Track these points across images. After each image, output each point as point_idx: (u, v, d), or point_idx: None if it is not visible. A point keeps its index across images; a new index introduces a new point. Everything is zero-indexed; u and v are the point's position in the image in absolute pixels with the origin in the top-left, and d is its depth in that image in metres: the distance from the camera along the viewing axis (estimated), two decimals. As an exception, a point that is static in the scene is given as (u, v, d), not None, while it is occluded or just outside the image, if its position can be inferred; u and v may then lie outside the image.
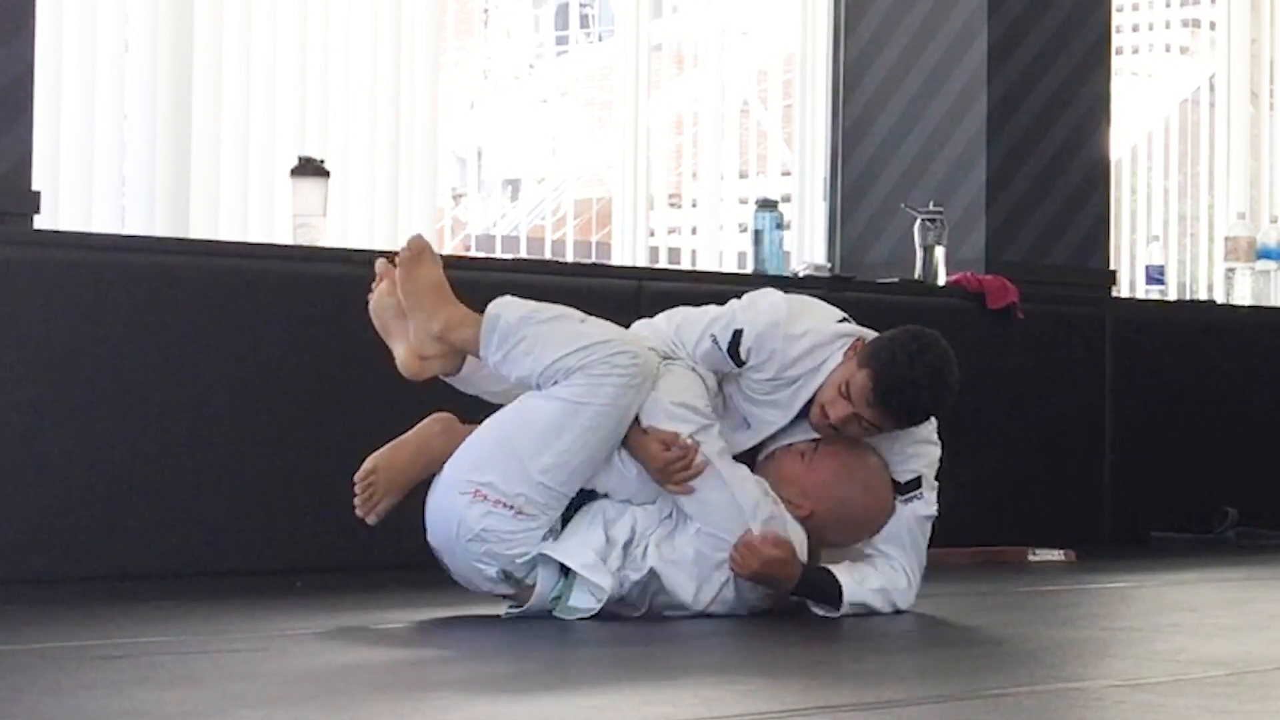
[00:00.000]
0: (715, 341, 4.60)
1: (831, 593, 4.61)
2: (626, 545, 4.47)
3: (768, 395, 4.66)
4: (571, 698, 3.44)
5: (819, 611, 4.63)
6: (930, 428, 4.79)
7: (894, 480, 4.71)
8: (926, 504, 4.74)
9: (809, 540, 4.61)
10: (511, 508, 4.41)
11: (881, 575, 4.69)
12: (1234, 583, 6.05)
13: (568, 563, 4.43)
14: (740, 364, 4.61)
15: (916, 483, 4.73)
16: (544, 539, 4.45)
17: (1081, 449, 7.33)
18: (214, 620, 4.54)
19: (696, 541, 4.49)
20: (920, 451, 4.76)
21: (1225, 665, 3.90)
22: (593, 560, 4.43)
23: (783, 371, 4.62)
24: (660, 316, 4.77)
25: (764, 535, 4.48)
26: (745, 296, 4.73)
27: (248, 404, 5.55)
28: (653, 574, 4.47)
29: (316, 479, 5.63)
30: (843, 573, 4.64)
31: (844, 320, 4.73)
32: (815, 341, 4.62)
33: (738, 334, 4.60)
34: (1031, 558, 6.49)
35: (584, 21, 13.63)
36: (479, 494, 4.42)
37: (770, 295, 4.72)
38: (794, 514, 4.58)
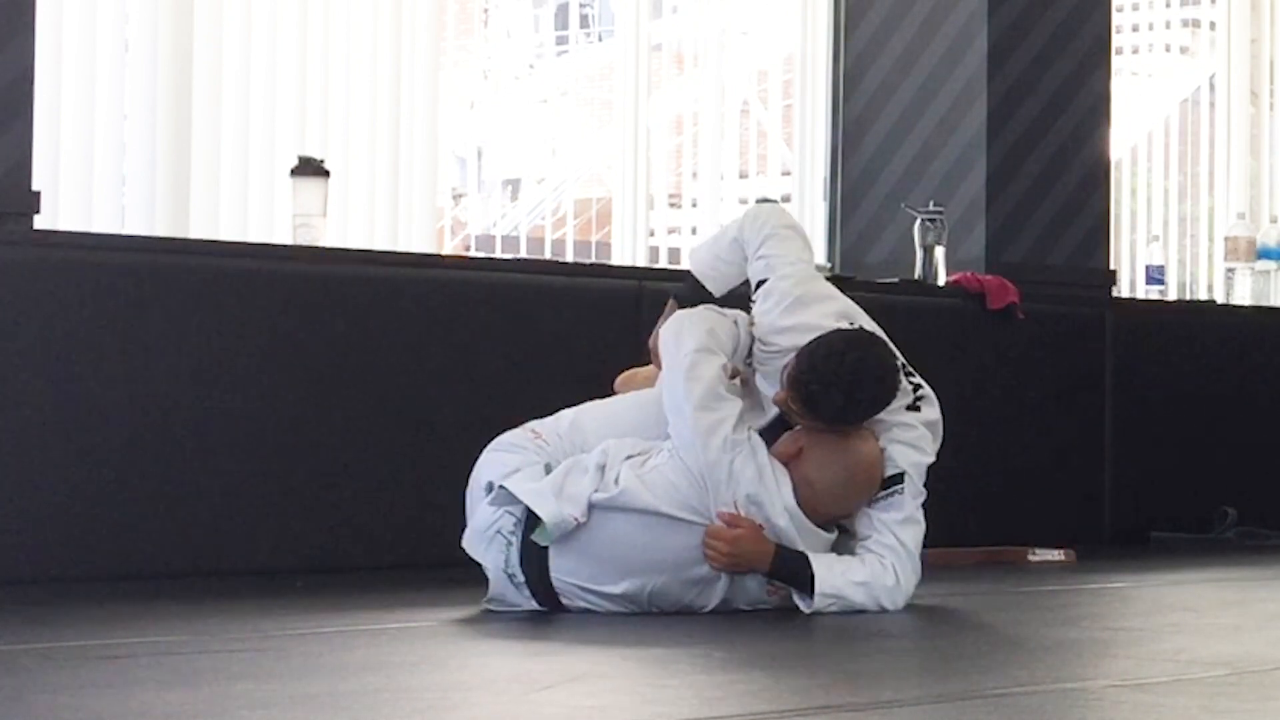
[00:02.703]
0: (761, 269, 4.92)
1: (806, 578, 4.63)
2: (601, 469, 4.62)
3: (762, 365, 4.86)
4: (571, 698, 3.44)
5: (800, 605, 4.65)
6: (917, 433, 4.78)
7: None
8: (900, 508, 4.73)
9: (798, 494, 4.63)
10: (535, 433, 4.80)
11: (867, 570, 4.69)
12: (1234, 583, 6.05)
13: (509, 487, 4.60)
14: (750, 294, 4.94)
15: (899, 478, 4.74)
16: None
17: (1081, 449, 7.33)
18: (214, 620, 4.54)
19: (668, 471, 4.60)
20: (904, 453, 4.75)
21: (1225, 665, 3.90)
22: (539, 489, 4.59)
23: (768, 335, 4.84)
24: (768, 224, 4.97)
25: (720, 516, 4.58)
26: (801, 271, 4.93)
27: (248, 404, 5.55)
28: (624, 492, 4.58)
29: (316, 479, 5.63)
30: (820, 561, 4.66)
31: (852, 325, 4.83)
32: (803, 321, 4.78)
33: (764, 281, 4.91)
34: (1031, 558, 6.48)
35: (584, 21, 13.63)
36: (529, 426, 4.86)
37: (812, 281, 4.95)
38: (783, 455, 4.64)
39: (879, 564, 4.70)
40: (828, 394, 4.60)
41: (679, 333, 4.77)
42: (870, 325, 4.92)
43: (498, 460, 4.75)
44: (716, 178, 8.00)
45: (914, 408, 4.81)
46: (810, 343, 4.67)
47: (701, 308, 4.89)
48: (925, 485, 4.81)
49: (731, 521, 4.58)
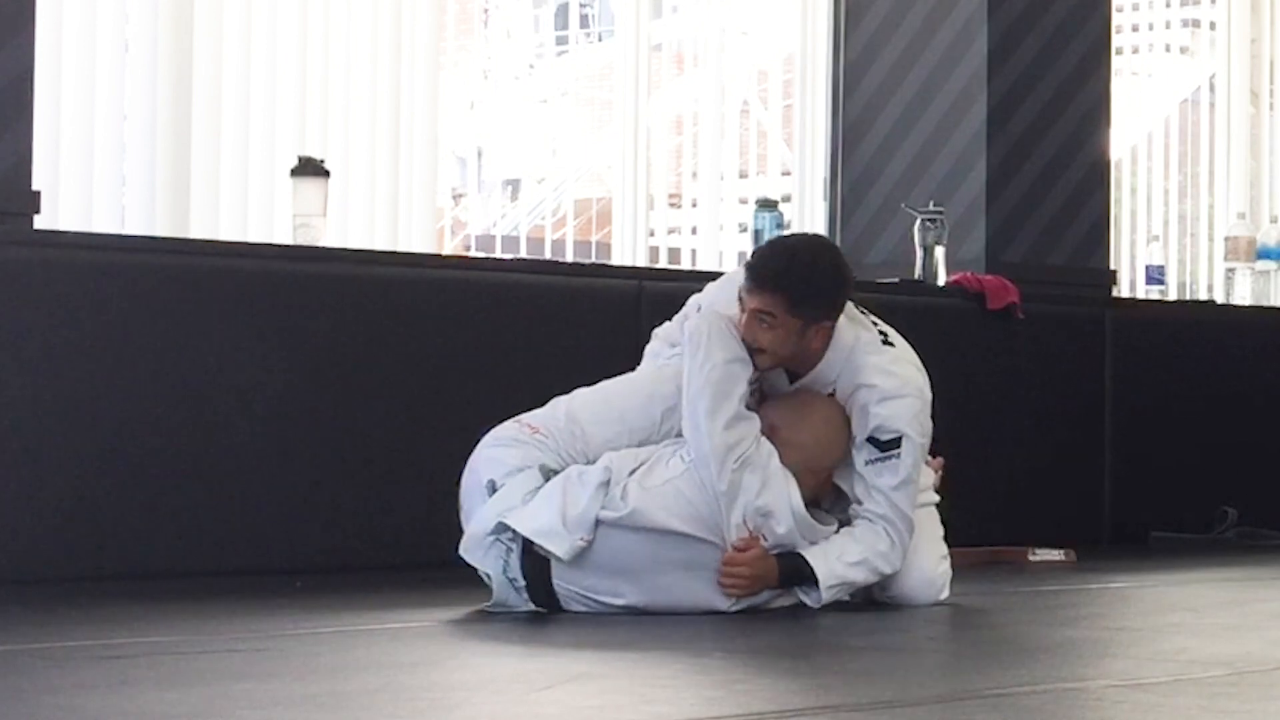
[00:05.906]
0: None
1: (808, 575, 4.65)
2: (605, 485, 4.58)
3: None
4: (571, 698, 3.44)
5: (807, 601, 4.66)
6: (897, 381, 4.73)
7: (875, 438, 4.70)
8: (896, 472, 4.69)
9: (783, 457, 4.64)
10: (532, 428, 4.75)
11: (860, 544, 4.69)
12: (1234, 583, 6.05)
13: (519, 529, 4.56)
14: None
15: (898, 442, 4.71)
16: (537, 475, 4.64)
17: (1081, 449, 7.33)
18: (214, 620, 4.54)
19: (681, 484, 4.58)
20: (898, 410, 4.72)
21: (1225, 665, 3.90)
22: (547, 526, 4.55)
23: None
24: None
25: (733, 545, 4.59)
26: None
27: (247, 404, 5.55)
28: (634, 512, 4.55)
29: (316, 479, 5.63)
30: (816, 556, 4.66)
31: None
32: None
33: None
34: (1031, 558, 6.48)
35: (584, 21, 13.64)
36: (521, 420, 4.80)
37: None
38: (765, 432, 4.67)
39: (870, 531, 4.71)
40: (773, 255, 4.75)
41: (708, 336, 4.69)
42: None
43: (496, 457, 4.73)
44: (716, 178, 8.00)
45: (888, 343, 4.82)
46: None
47: (722, 312, 4.80)
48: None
49: (745, 546, 4.59)
